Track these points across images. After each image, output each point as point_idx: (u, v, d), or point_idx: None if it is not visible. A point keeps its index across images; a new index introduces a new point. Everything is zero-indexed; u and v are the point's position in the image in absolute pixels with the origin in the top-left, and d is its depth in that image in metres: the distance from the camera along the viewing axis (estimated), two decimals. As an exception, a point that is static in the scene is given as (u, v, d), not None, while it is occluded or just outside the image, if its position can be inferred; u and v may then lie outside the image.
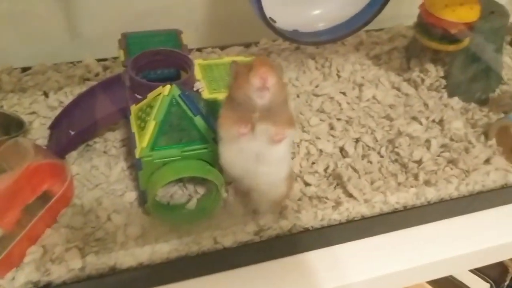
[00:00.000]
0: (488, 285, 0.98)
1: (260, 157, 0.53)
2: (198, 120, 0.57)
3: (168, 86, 0.57)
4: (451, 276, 1.01)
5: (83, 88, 0.81)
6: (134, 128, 0.60)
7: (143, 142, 0.56)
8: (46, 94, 0.80)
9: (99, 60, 0.87)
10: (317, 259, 0.63)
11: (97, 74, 0.85)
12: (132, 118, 0.61)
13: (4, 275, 0.54)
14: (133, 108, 0.62)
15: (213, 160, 0.59)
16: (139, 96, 0.64)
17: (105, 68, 0.86)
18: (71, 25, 0.92)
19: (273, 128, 0.51)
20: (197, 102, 0.60)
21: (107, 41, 0.87)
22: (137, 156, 0.57)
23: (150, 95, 0.59)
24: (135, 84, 0.64)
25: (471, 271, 1.00)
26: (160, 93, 0.57)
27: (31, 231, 0.56)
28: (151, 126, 0.56)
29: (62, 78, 0.82)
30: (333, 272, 0.62)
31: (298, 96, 0.83)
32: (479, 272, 0.99)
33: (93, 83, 0.81)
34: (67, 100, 0.78)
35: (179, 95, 0.57)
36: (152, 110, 0.57)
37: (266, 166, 0.54)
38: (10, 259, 0.54)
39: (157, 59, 0.68)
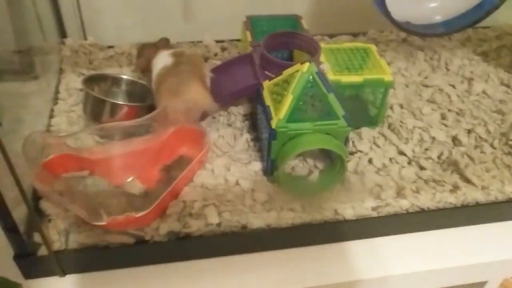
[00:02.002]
0: None
1: None
2: (331, 97, 0.61)
3: (306, 64, 0.61)
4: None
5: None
6: (269, 102, 0.65)
7: (279, 114, 0.61)
8: (171, 69, 0.86)
9: (217, 42, 0.93)
10: (433, 240, 0.65)
11: (215, 54, 0.90)
12: (266, 92, 0.66)
13: (150, 224, 0.60)
14: (266, 84, 0.67)
15: (340, 136, 0.63)
16: (269, 74, 0.69)
17: (223, 49, 0.92)
18: (188, 8, 0.98)
19: None
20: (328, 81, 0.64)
21: (220, 24, 0.93)
22: (273, 126, 0.61)
23: (286, 72, 0.64)
24: (267, 62, 0.68)
25: None
26: (298, 70, 0.62)
27: (174, 187, 0.62)
28: (288, 99, 0.61)
29: (184, 56, 0.89)
30: (449, 253, 0.64)
31: (407, 86, 0.85)
32: None
33: (214, 61, 0.87)
34: (191, 75, 0.85)
35: (316, 73, 0.61)
36: (289, 85, 0.61)
37: None
38: (155, 211, 0.60)
39: (285, 41, 0.73)
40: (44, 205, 0.62)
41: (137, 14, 0.94)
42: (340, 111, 0.62)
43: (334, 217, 0.63)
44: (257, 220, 0.62)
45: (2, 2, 0.74)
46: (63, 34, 0.90)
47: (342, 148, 0.62)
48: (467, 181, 0.66)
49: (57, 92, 0.79)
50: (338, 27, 0.98)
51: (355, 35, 0.97)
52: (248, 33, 0.78)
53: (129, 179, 0.61)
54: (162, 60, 0.72)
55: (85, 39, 0.92)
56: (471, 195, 0.65)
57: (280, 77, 0.65)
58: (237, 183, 0.66)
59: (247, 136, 0.73)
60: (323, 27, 0.99)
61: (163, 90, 0.68)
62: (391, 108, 0.79)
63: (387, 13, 0.78)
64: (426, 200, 0.65)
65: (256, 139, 0.73)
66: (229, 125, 0.75)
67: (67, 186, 0.61)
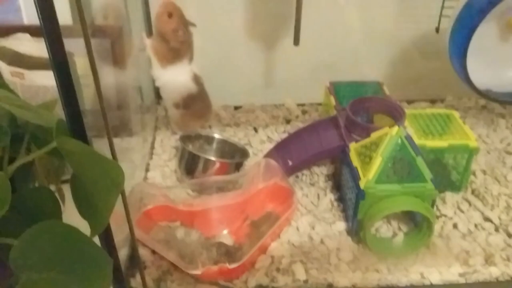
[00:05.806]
0: None
1: None
2: (419, 160, 0.63)
3: (395, 128, 0.64)
4: None
5: (286, 127, 0.92)
6: (356, 163, 0.67)
7: (368, 175, 0.63)
8: (255, 130, 0.91)
9: (298, 105, 0.97)
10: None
11: (297, 116, 0.95)
12: (353, 154, 0.69)
13: (239, 277, 0.63)
14: (353, 146, 0.70)
15: (428, 199, 0.63)
16: (355, 136, 0.71)
17: (304, 112, 0.96)
18: (268, 72, 1.04)
19: None
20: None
21: (300, 88, 0.98)
22: (362, 187, 0.63)
23: (375, 134, 0.67)
24: (353, 125, 0.71)
25: None
26: (387, 133, 0.64)
27: (263, 242, 0.64)
28: (377, 161, 0.63)
29: (267, 117, 0.94)
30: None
31: (488, 152, 0.85)
32: None
33: (296, 123, 0.92)
34: (274, 136, 0.90)
35: (405, 136, 0.63)
36: (378, 147, 0.64)
37: None
38: (245, 264, 0.63)
39: (370, 105, 0.76)
40: (140, 252, 0.66)
41: (221, 78, 1.01)
42: (428, 174, 0.63)
43: (420, 280, 0.63)
44: (343, 279, 0.63)
45: (111, 71, 0.83)
46: (159, 95, 0.98)
47: (430, 211, 0.63)
48: (561, 252, 0.65)
49: (152, 147, 0.86)
50: (416, 93, 1.00)
51: (433, 101, 0.99)
52: (332, 98, 0.83)
53: (224, 232, 0.65)
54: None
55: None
56: None
57: (368, 139, 0.67)
58: (322, 242, 0.68)
59: (330, 196, 0.75)
60: (400, 92, 1.01)
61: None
62: (474, 174, 0.79)
63: (468, 81, 0.80)
64: (519, 269, 0.63)
65: (340, 199, 0.75)
66: (312, 184, 0.78)
67: (164, 235, 0.66)
